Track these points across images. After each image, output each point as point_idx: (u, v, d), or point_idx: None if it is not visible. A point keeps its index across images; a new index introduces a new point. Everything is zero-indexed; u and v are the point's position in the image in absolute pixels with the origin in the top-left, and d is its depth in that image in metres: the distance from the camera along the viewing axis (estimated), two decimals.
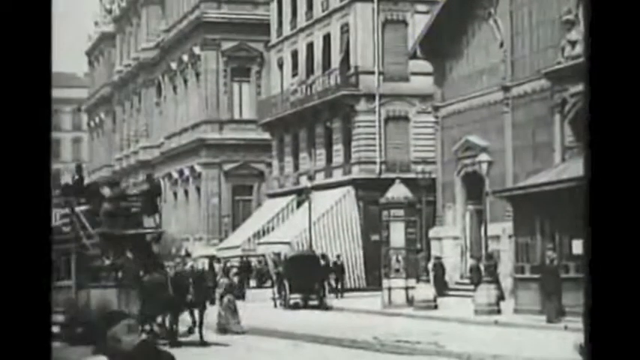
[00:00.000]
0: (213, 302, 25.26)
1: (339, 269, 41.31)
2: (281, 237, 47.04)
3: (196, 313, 23.83)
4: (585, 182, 6.70)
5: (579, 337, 12.13)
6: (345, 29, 48.05)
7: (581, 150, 27.93)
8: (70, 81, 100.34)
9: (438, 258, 37.99)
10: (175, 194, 69.21)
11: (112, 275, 23.72)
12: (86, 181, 29.30)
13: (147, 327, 22.73)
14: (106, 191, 25.82)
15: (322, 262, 38.81)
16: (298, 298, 36.33)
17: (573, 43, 31.81)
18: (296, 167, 53.38)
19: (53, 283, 22.49)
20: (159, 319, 23.61)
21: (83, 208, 24.67)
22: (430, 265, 37.43)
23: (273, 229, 51.40)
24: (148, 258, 24.26)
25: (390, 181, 36.54)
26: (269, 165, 58.74)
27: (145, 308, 22.83)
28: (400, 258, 33.57)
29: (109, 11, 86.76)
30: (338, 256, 42.37)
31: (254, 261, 48.99)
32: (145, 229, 25.37)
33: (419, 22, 44.68)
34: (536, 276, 28.37)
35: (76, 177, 26.58)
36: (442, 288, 35.98)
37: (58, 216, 24.72)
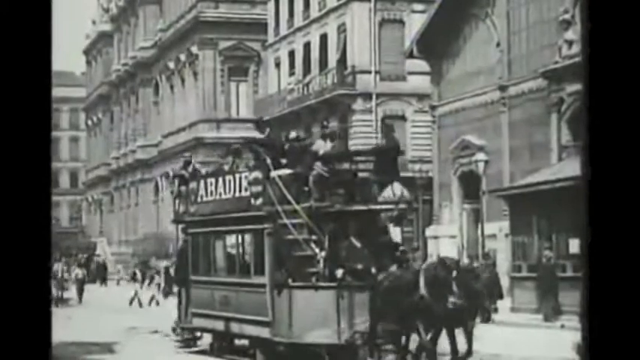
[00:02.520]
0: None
1: None
2: None
3: (462, 333, 15.24)
4: (583, 181, 6.74)
5: (576, 336, 12.16)
6: (342, 29, 48.06)
7: (578, 149, 28.00)
8: (68, 80, 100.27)
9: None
10: (172, 193, 69.10)
11: (327, 271, 16.38)
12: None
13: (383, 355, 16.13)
14: (320, 145, 17.67)
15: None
16: None
17: (570, 43, 31.84)
18: None
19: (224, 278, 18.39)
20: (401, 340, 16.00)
21: (283, 172, 17.35)
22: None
23: None
24: (383, 247, 16.95)
25: None
26: None
27: (379, 321, 15.79)
28: None
29: (107, 10, 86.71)
30: None
31: None
32: (378, 205, 17.19)
33: (416, 22, 44.67)
34: (532, 275, 28.43)
35: (267, 130, 19.71)
36: None
37: (242, 181, 17.82)
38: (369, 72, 46.67)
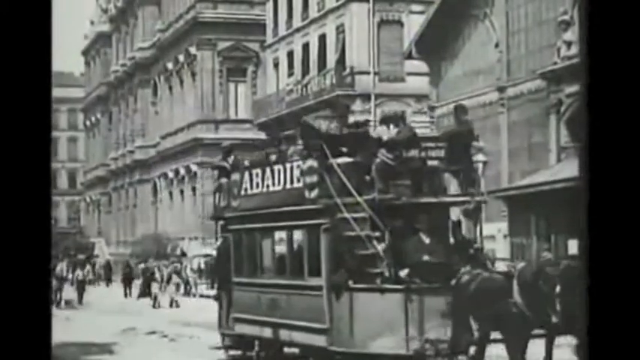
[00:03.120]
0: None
1: None
2: None
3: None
4: (582, 183, 6.74)
5: (575, 338, 12.15)
6: (340, 29, 48.08)
7: (577, 150, 27.99)
8: (67, 80, 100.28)
9: None
10: (171, 194, 69.20)
11: (392, 271, 14.46)
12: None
13: None
14: (382, 131, 15.76)
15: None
16: None
17: (569, 44, 31.86)
18: None
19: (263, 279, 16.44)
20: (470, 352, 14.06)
21: (342, 160, 15.24)
22: None
23: None
24: (455, 244, 15.45)
25: None
26: None
27: (463, 330, 13.75)
28: None
29: (105, 11, 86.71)
30: None
31: None
32: (451, 197, 15.67)
33: (414, 23, 44.68)
34: None
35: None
36: None
37: (293, 171, 15.90)
38: (368, 73, 46.70)
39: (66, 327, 27.15)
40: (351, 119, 17.88)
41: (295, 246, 15.92)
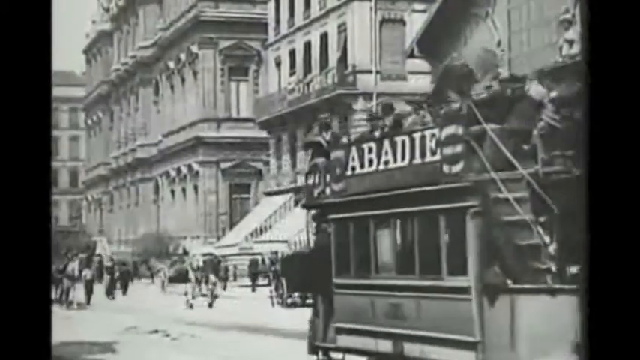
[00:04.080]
0: None
1: None
2: (278, 235, 47.05)
3: None
4: (584, 181, 6.73)
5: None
6: (342, 28, 48.08)
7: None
8: (68, 79, 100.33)
9: None
10: (173, 192, 69.22)
11: (561, 266, 11.41)
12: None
13: None
14: (539, 91, 13.01)
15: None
16: (296, 297, 36.35)
17: (571, 42, 31.84)
18: (293, 165, 53.40)
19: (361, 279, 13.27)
20: None
21: (492, 126, 12.08)
22: None
23: (270, 227, 51.43)
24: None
25: None
26: (266, 163, 58.77)
27: None
28: None
29: (107, 9, 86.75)
30: None
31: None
32: None
33: (416, 21, 44.68)
34: None
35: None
36: None
37: (426, 142, 12.70)
38: (370, 71, 46.71)
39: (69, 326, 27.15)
40: (504, 73, 14.03)
41: (426, 237, 12.50)
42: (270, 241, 46.86)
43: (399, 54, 45.61)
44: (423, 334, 12.53)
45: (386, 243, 13.46)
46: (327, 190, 14.85)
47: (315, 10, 50.90)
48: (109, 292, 44.37)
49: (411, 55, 42.75)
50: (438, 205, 12.15)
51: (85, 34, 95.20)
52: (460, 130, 11.95)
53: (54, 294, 39.19)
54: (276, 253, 42.59)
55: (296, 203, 50.44)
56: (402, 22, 47.07)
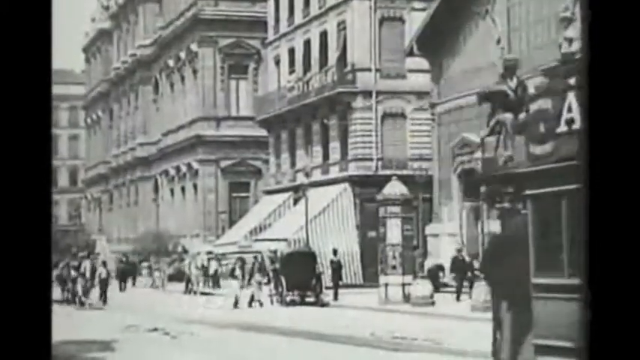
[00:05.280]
0: None
1: (336, 266, 40.95)
2: (278, 234, 47.06)
3: None
4: (584, 181, 6.72)
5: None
6: (342, 26, 48.07)
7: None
8: (67, 78, 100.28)
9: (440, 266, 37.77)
10: (172, 191, 69.22)
11: None
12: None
13: None
14: None
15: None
16: (295, 295, 36.34)
17: (570, 40, 31.83)
18: (293, 164, 53.39)
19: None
20: None
21: None
22: (426, 266, 37.51)
23: (269, 226, 51.43)
24: None
25: (387, 178, 36.51)
26: (266, 162, 58.76)
27: None
28: (397, 255, 33.59)
29: (106, 8, 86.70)
30: (335, 252, 42.17)
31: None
32: None
33: (416, 19, 44.68)
34: None
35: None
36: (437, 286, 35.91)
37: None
38: (369, 70, 46.71)
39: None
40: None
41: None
42: (269, 240, 46.87)
43: (399, 52, 45.58)
44: None
45: None
46: (521, 156, 11.52)
47: (314, 9, 50.89)
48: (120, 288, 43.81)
49: (411, 54, 42.75)
50: None
51: (84, 33, 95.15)
52: None
53: (66, 294, 39.05)
54: (275, 251, 42.56)
55: (295, 202, 50.46)
56: (402, 20, 47.05)
